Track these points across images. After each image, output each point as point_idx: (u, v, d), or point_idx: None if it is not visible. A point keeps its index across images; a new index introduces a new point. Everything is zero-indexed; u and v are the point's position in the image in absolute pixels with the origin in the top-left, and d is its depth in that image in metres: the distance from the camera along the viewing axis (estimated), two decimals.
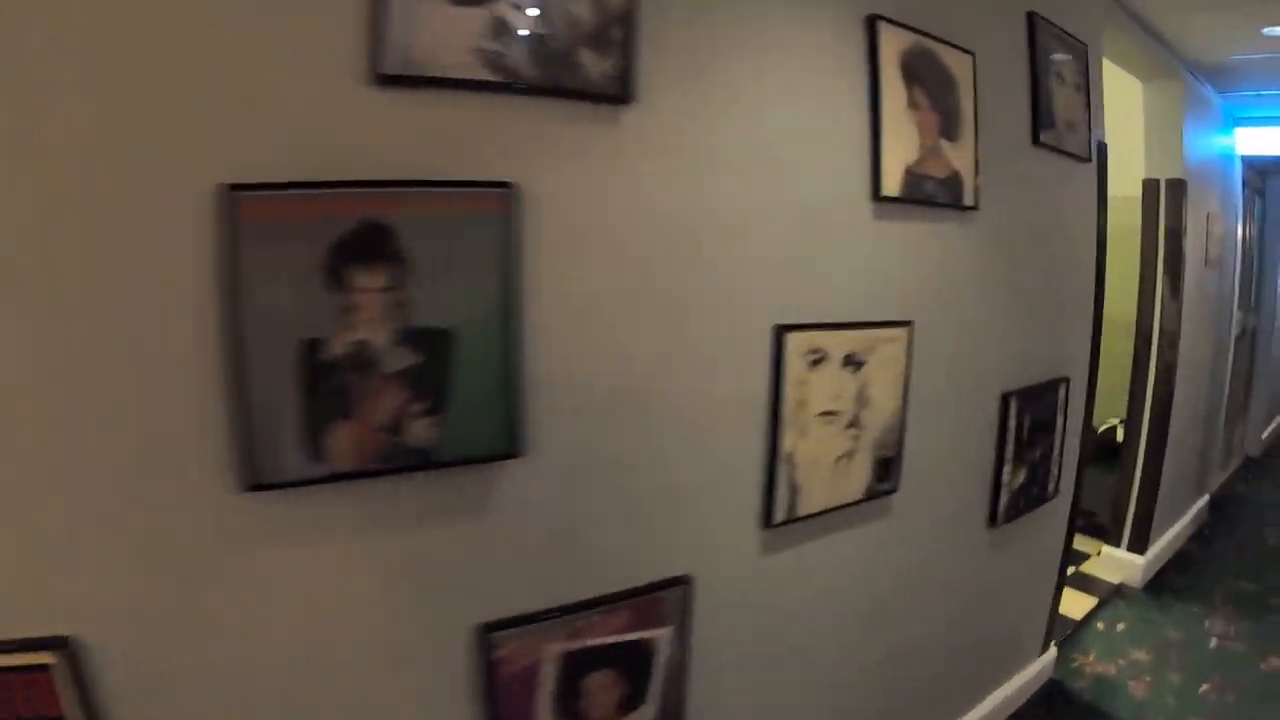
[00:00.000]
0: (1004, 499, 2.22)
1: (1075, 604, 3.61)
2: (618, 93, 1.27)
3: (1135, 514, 3.83)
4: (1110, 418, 4.37)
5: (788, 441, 1.58)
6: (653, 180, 1.35)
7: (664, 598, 1.45)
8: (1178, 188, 3.57)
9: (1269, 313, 6.39)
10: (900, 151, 1.71)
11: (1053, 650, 2.95)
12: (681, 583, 1.47)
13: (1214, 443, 4.86)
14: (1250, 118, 4.57)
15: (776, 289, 1.56)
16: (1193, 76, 3.72)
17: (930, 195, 1.80)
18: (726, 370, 1.51)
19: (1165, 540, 4.02)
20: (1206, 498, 4.87)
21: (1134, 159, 3.64)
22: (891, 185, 1.70)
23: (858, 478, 1.75)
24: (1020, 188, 2.15)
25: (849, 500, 1.75)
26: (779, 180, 1.53)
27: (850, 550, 1.83)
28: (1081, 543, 4.31)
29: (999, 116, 2.03)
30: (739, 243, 1.48)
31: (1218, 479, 5.53)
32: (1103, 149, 2.60)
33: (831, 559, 1.79)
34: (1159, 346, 3.65)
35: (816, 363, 1.59)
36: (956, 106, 1.85)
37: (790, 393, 1.56)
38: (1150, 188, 3.65)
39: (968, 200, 1.91)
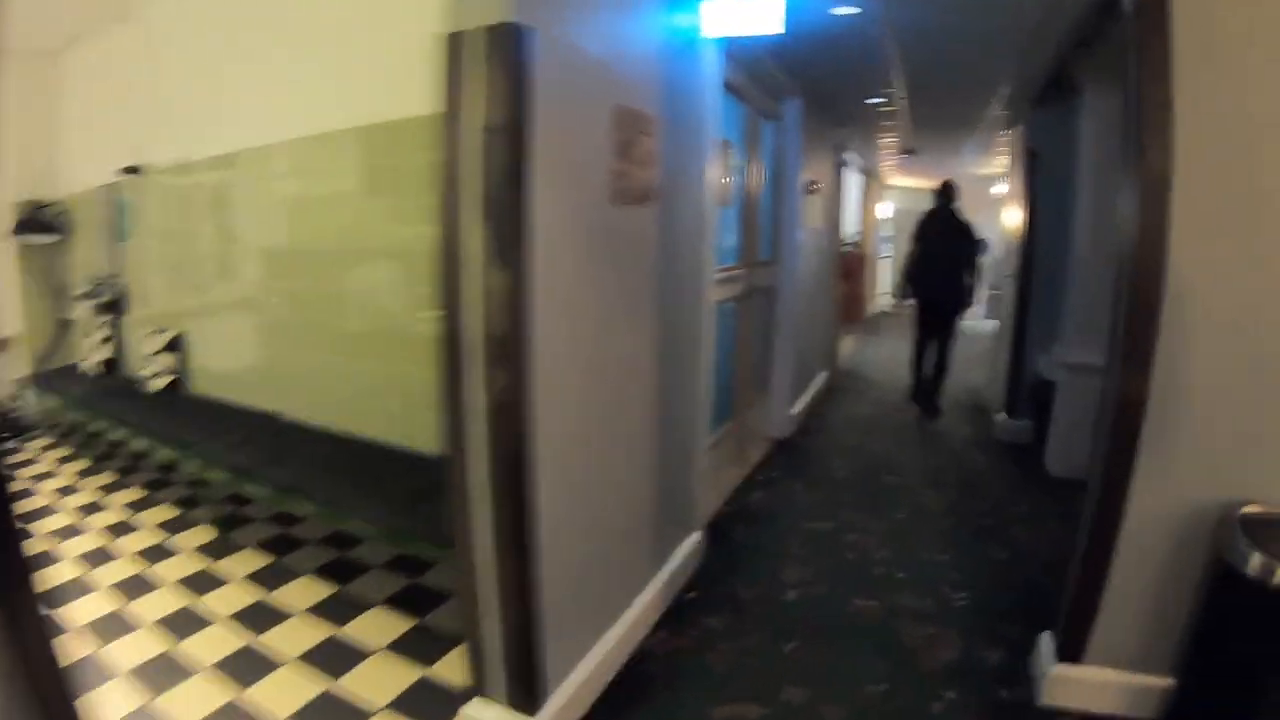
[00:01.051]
0: None
1: None
2: None
3: (508, 642, 2.11)
4: None
5: None
6: None
7: None
8: (507, 42, 1.78)
9: (790, 267, 5.26)
10: None
11: None
12: None
13: (690, 460, 3.39)
14: None
15: None
16: None
17: None
18: None
19: (592, 664, 2.42)
20: (696, 536, 3.43)
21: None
22: None
23: None
24: None
25: None
26: None
27: None
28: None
29: None
30: None
31: (723, 491, 4.22)
32: None
33: None
34: (486, 362, 1.88)
35: None
36: None
37: None
38: (452, 50, 1.83)
39: None
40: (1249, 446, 2.15)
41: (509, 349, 1.86)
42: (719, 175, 3.55)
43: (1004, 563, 3.57)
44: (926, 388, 6.44)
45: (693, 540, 3.42)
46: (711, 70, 3.23)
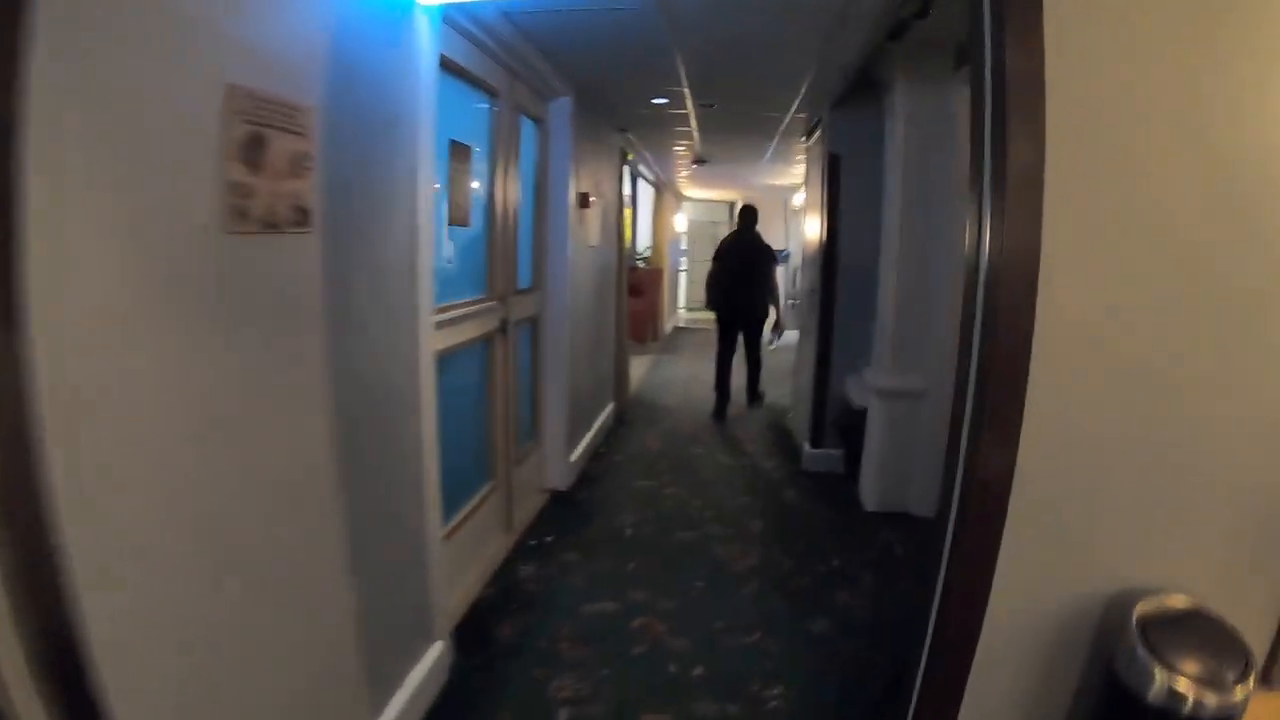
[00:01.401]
0: None
1: None
2: None
3: None
4: None
5: None
6: None
7: None
8: None
9: (557, 293, 4.69)
10: None
11: None
12: None
13: (422, 554, 2.74)
14: None
15: None
16: None
17: None
18: None
19: None
20: (438, 647, 2.78)
21: None
22: None
23: None
24: None
25: None
26: None
27: None
28: None
29: None
30: None
31: (485, 568, 3.60)
32: None
33: None
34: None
35: None
36: None
37: None
38: None
39: None
40: (1140, 523, 1.74)
41: (11, 493, 1.10)
42: (447, 187, 2.89)
43: (824, 637, 3.14)
44: (748, 391, 7.51)
45: (434, 655, 2.72)
46: (427, 50, 2.55)
